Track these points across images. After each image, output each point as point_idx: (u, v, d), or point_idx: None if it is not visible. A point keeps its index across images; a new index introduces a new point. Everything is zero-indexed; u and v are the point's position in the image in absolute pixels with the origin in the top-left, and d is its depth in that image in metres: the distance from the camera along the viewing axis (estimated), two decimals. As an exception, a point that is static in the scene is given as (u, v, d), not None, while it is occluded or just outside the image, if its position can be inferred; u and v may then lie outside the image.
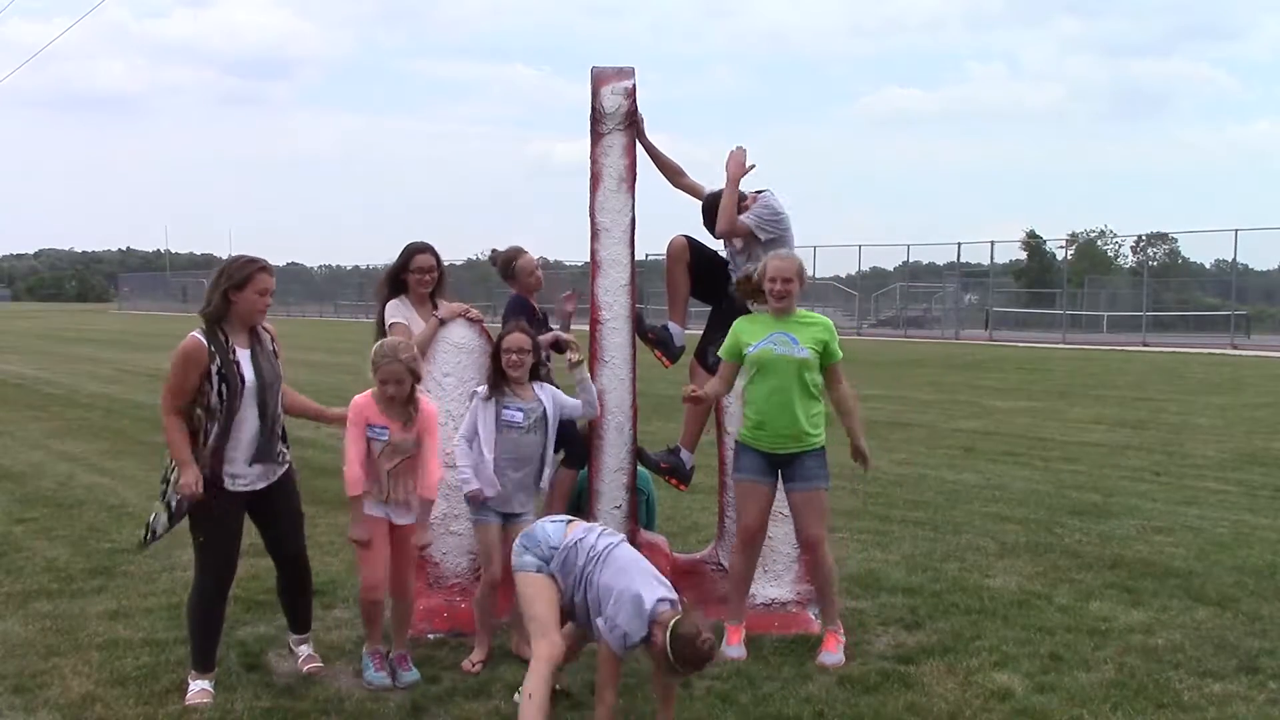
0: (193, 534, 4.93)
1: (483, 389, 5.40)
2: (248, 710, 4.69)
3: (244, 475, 4.89)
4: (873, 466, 5.80)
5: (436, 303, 6.22)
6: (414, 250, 6.04)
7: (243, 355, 4.85)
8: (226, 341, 4.81)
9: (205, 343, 4.78)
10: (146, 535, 5.04)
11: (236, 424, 4.82)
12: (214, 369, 4.75)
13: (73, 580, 6.66)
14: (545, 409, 5.37)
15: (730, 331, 5.62)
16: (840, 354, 5.55)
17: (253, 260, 4.90)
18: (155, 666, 5.19)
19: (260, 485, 4.95)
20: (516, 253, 6.34)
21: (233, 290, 4.81)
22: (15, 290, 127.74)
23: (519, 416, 5.32)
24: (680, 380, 6.40)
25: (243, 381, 4.80)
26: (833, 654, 5.34)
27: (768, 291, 5.46)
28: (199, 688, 4.85)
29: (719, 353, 5.68)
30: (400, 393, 5.01)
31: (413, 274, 6.00)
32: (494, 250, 6.45)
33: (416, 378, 5.09)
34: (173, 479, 4.88)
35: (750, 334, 5.48)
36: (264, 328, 5.01)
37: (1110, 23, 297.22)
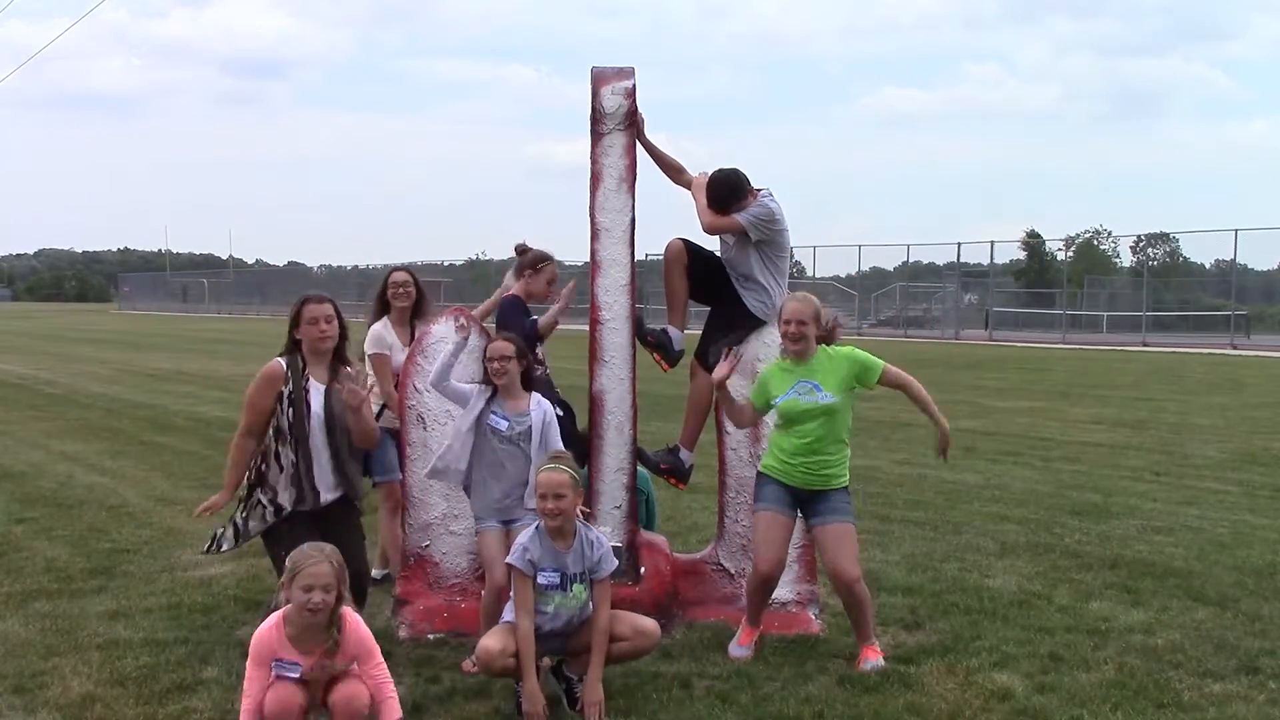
0: (270, 551, 5.20)
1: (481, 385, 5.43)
2: (248, 710, 4.69)
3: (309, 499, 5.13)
4: (949, 445, 5.75)
5: (415, 325, 6.53)
6: (391, 270, 6.81)
7: (316, 388, 5.14)
8: (303, 370, 5.14)
9: (285, 368, 5.15)
10: (211, 545, 5.30)
11: (313, 450, 5.09)
12: (286, 392, 5.10)
13: (73, 580, 6.66)
14: (533, 424, 5.33)
15: (759, 380, 5.63)
16: (879, 364, 5.47)
17: (301, 297, 5.30)
18: (155, 666, 5.19)
19: (323, 503, 5.13)
20: (548, 257, 6.41)
21: (294, 329, 5.22)
22: (15, 290, 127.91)
23: (503, 425, 5.31)
24: (680, 381, 6.41)
25: (308, 408, 5.08)
26: (872, 660, 5.27)
27: (782, 333, 5.46)
28: None
29: (750, 396, 5.67)
30: (326, 605, 4.09)
31: (390, 289, 6.66)
32: (525, 243, 6.48)
33: (343, 591, 4.16)
34: (250, 500, 5.17)
35: (777, 385, 5.46)
36: (350, 369, 5.25)
37: (1103, 23, 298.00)
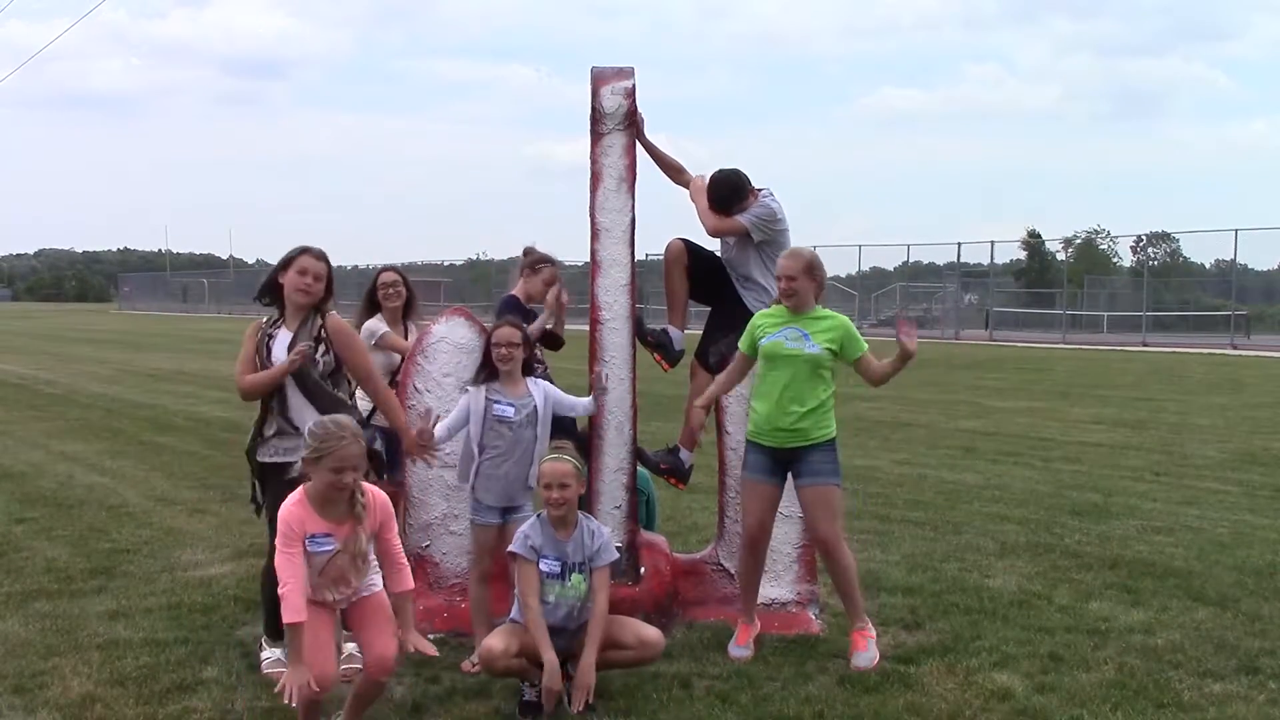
0: (268, 514, 5.07)
1: (473, 384, 5.44)
2: (248, 710, 4.69)
3: (293, 448, 5.00)
4: (911, 351, 5.29)
5: (408, 325, 6.56)
6: (380, 270, 6.76)
7: (283, 336, 5.09)
8: (276, 322, 5.14)
9: (263, 321, 5.16)
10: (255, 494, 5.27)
11: (285, 391, 5.03)
12: (257, 342, 5.10)
13: (73, 580, 6.66)
14: (536, 404, 5.38)
15: (748, 325, 5.60)
16: (864, 345, 5.43)
17: (300, 247, 5.17)
18: (155, 666, 5.19)
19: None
20: (547, 259, 6.27)
21: (280, 272, 5.12)
22: (15, 290, 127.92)
23: (510, 411, 5.33)
24: (681, 380, 6.41)
25: (268, 353, 5.05)
26: (864, 653, 5.23)
27: (778, 289, 5.47)
28: (274, 657, 5.05)
29: (738, 344, 5.64)
30: (357, 482, 4.18)
31: (379, 290, 6.65)
32: (534, 245, 6.42)
33: (370, 458, 4.35)
34: (266, 432, 5.11)
35: (765, 327, 5.46)
36: (326, 318, 5.12)
37: (1103, 23, 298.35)
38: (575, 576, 4.77)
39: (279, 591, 4.12)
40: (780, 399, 5.34)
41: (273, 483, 5.01)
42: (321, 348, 5.09)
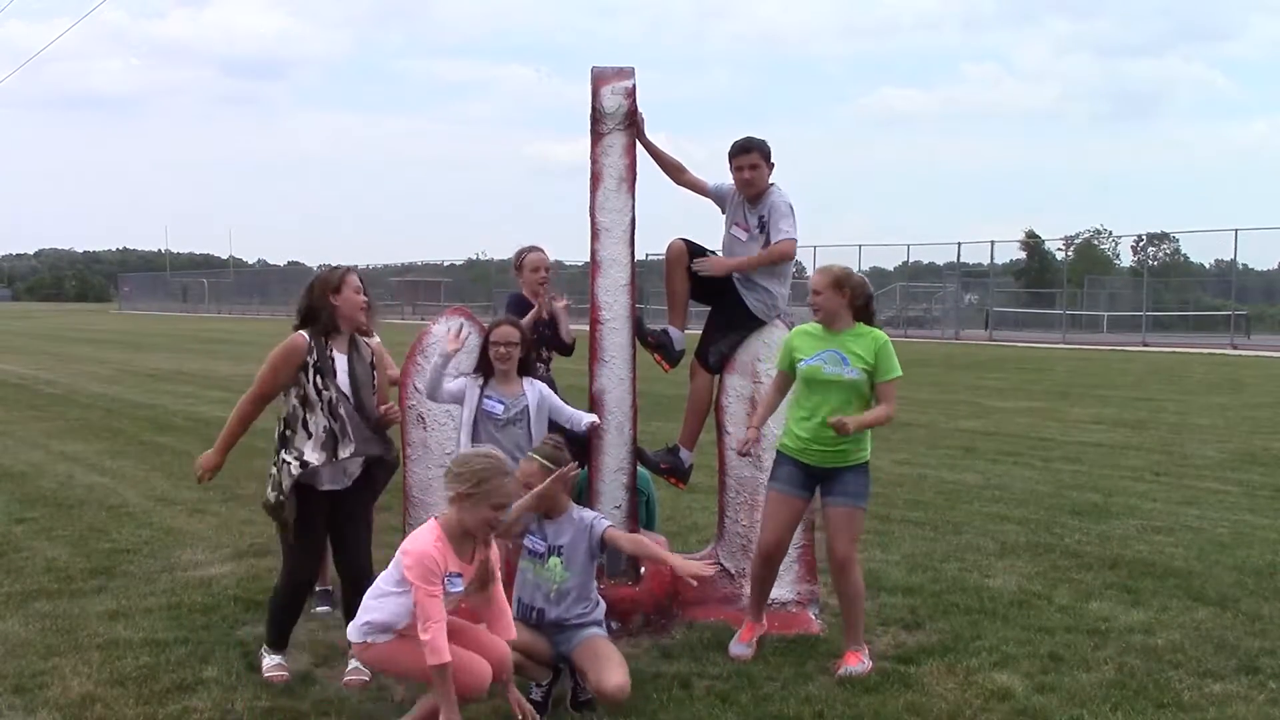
0: (281, 535, 5.10)
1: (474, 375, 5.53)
2: (248, 710, 4.70)
3: (335, 472, 5.00)
4: (846, 431, 5.18)
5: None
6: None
7: (340, 360, 5.05)
8: (326, 342, 5.03)
9: (308, 340, 5.01)
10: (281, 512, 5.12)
11: (345, 415, 4.97)
12: (311, 362, 4.97)
13: (73, 580, 6.66)
14: (528, 404, 5.42)
15: (784, 343, 5.57)
16: (895, 372, 5.26)
17: (345, 267, 5.18)
18: (155, 666, 5.19)
19: (340, 485, 5.04)
20: (530, 250, 6.52)
21: (333, 294, 5.04)
22: (15, 290, 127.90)
23: (499, 409, 5.40)
24: (681, 380, 6.40)
25: (335, 373, 5.00)
26: (851, 666, 5.18)
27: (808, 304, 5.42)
28: (274, 661, 5.11)
29: (776, 365, 5.62)
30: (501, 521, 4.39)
31: None
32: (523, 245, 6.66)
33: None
34: (277, 461, 5.04)
35: (803, 347, 5.36)
36: (366, 342, 5.20)
37: (1102, 23, 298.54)
38: (554, 560, 4.79)
39: (424, 634, 4.10)
40: (821, 421, 5.23)
41: (311, 501, 5.00)
42: (373, 370, 5.18)
